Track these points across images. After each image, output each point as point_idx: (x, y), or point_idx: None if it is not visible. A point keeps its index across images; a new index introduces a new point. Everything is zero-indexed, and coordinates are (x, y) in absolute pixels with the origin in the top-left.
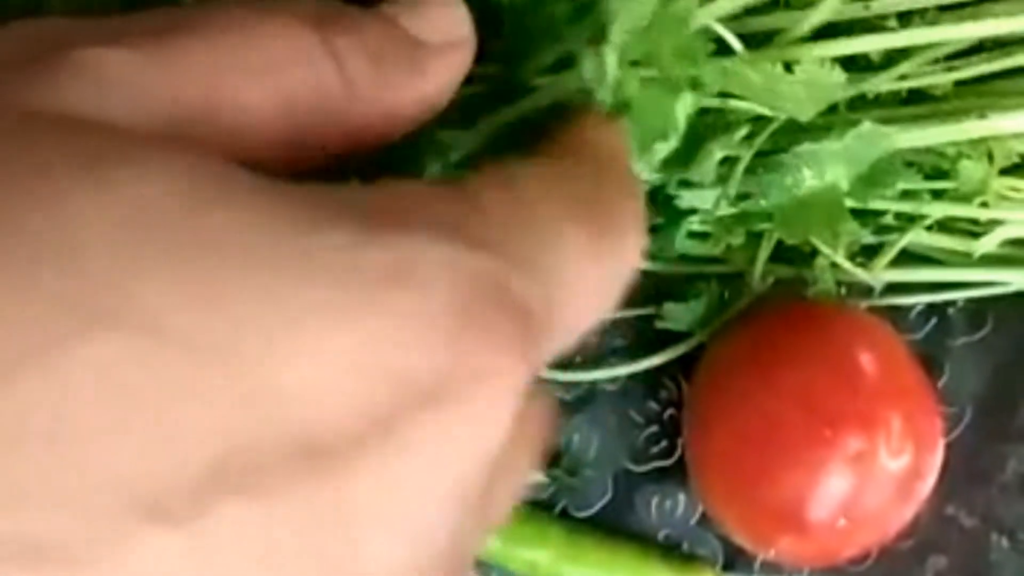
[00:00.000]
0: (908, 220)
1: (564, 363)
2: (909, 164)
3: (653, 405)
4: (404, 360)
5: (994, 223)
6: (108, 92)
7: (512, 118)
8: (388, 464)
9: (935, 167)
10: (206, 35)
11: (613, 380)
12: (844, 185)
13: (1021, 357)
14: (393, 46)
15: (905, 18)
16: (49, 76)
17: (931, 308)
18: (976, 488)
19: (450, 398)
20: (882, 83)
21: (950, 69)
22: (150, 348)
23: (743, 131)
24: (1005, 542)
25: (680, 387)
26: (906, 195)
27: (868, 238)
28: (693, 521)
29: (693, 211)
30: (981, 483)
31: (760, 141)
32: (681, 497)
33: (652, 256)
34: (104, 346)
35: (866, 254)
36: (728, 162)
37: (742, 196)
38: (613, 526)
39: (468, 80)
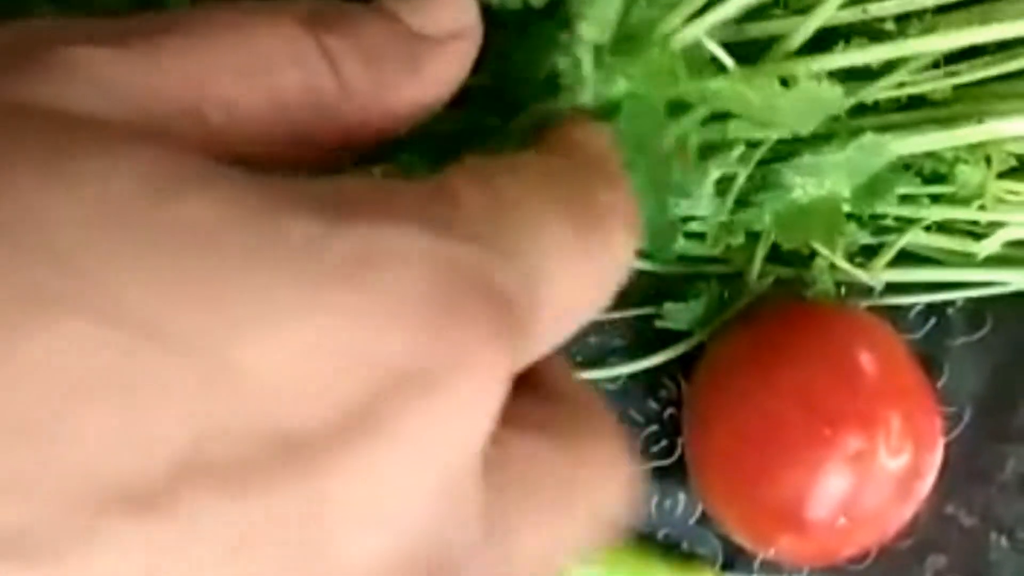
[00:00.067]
0: (907, 222)
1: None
2: (907, 167)
3: (653, 404)
4: (378, 348)
5: (993, 225)
6: (88, 88)
7: (504, 139)
8: (365, 455)
9: (933, 171)
10: (192, 35)
11: (613, 379)
12: (845, 194)
13: (1020, 357)
14: (391, 44)
15: (903, 21)
16: (29, 72)
17: (930, 308)
18: (975, 487)
19: (429, 386)
20: (880, 91)
21: (948, 74)
22: (113, 335)
23: (740, 149)
24: (1004, 541)
25: (680, 386)
26: (905, 199)
27: (867, 239)
28: (693, 520)
29: (691, 218)
30: (980, 482)
31: (757, 158)
32: (681, 496)
33: (651, 256)
34: (65, 332)
35: (865, 254)
36: (726, 179)
37: (742, 202)
38: None
39: (458, 100)
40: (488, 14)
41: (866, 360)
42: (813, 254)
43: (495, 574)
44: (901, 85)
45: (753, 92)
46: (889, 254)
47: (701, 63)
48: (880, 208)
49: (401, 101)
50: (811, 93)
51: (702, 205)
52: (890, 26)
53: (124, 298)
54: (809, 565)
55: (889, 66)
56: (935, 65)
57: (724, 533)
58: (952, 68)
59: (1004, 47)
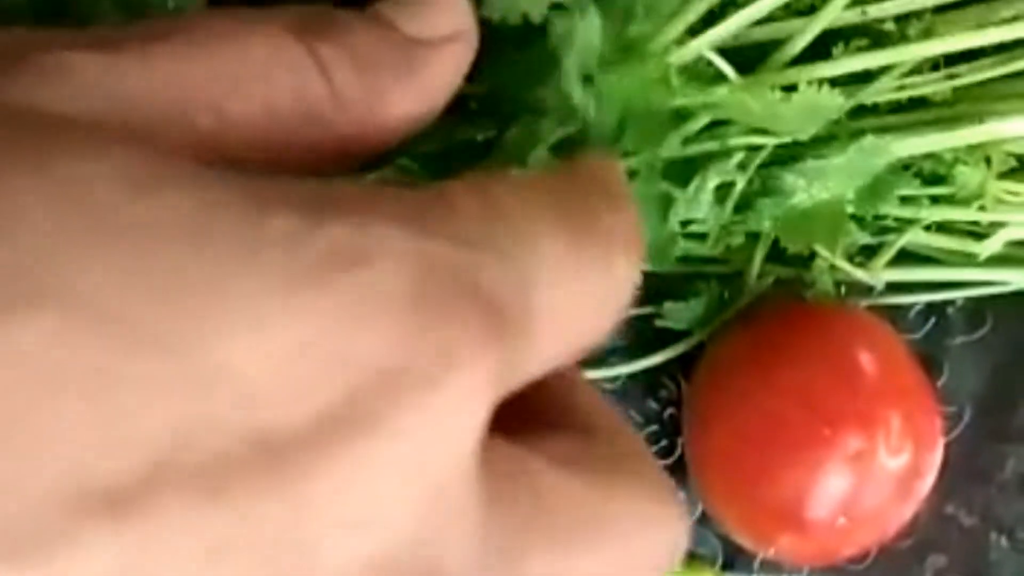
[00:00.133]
0: (907, 222)
1: None
2: (906, 168)
3: (652, 404)
4: (357, 347)
5: (993, 225)
6: (75, 91)
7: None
8: (347, 457)
9: (933, 172)
10: (184, 43)
11: (612, 379)
12: (848, 196)
13: (1020, 356)
14: (384, 51)
15: (902, 21)
16: (16, 74)
17: (930, 307)
18: (975, 487)
19: (411, 387)
20: (880, 93)
21: (948, 76)
22: (87, 331)
23: (739, 156)
24: (1004, 541)
25: (679, 386)
26: (905, 200)
27: (867, 238)
28: (693, 520)
29: (692, 220)
30: (980, 482)
31: (756, 164)
32: (680, 496)
33: (651, 256)
34: (38, 327)
35: (865, 254)
36: (725, 185)
37: (742, 207)
38: None
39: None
40: (488, 28)
41: (866, 360)
42: (813, 254)
43: None
44: (901, 87)
45: (754, 100)
46: (889, 254)
47: (701, 72)
48: (880, 209)
49: (396, 108)
50: (811, 99)
51: (702, 211)
52: (890, 26)
53: (99, 294)
54: (809, 565)
55: (888, 68)
56: (935, 66)
57: (724, 533)
58: (952, 70)
59: (1003, 48)
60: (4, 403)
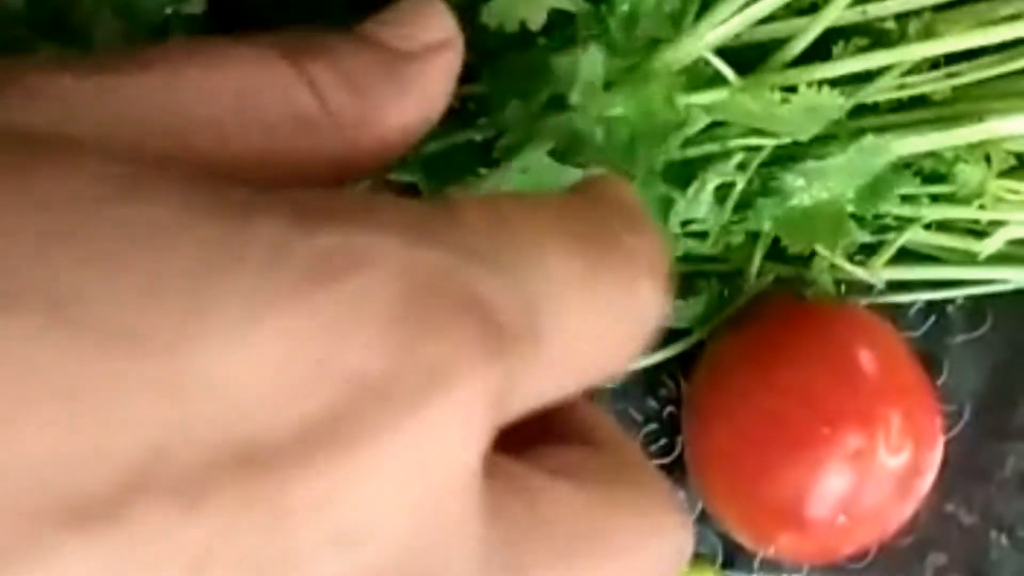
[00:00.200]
0: (907, 220)
1: None
2: (907, 166)
3: (652, 403)
4: (342, 358)
5: (993, 224)
6: (57, 112)
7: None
8: (332, 469)
9: (933, 170)
10: (170, 66)
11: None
12: (849, 196)
13: (1020, 355)
14: (373, 65)
15: (902, 19)
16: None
17: (930, 306)
18: (975, 485)
19: (401, 399)
20: (880, 92)
21: (948, 75)
22: (60, 334)
23: (738, 158)
24: (1004, 539)
25: (679, 385)
26: (905, 199)
27: (867, 237)
28: (692, 519)
29: (690, 220)
30: (980, 480)
31: (755, 165)
32: (680, 494)
33: None
34: (8, 330)
35: (865, 252)
36: (725, 186)
37: (742, 206)
38: None
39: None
40: (486, 34)
41: (866, 358)
42: (813, 252)
43: None
44: (901, 86)
45: (754, 102)
46: (889, 252)
47: (702, 74)
48: (881, 208)
49: (390, 121)
50: (811, 100)
51: (701, 211)
52: (890, 25)
53: (74, 296)
54: (809, 563)
55: (888, 67)
56: (934, 65)
57: (724, 531)
58: (952, 68)
59: (1004, 46)
60: None
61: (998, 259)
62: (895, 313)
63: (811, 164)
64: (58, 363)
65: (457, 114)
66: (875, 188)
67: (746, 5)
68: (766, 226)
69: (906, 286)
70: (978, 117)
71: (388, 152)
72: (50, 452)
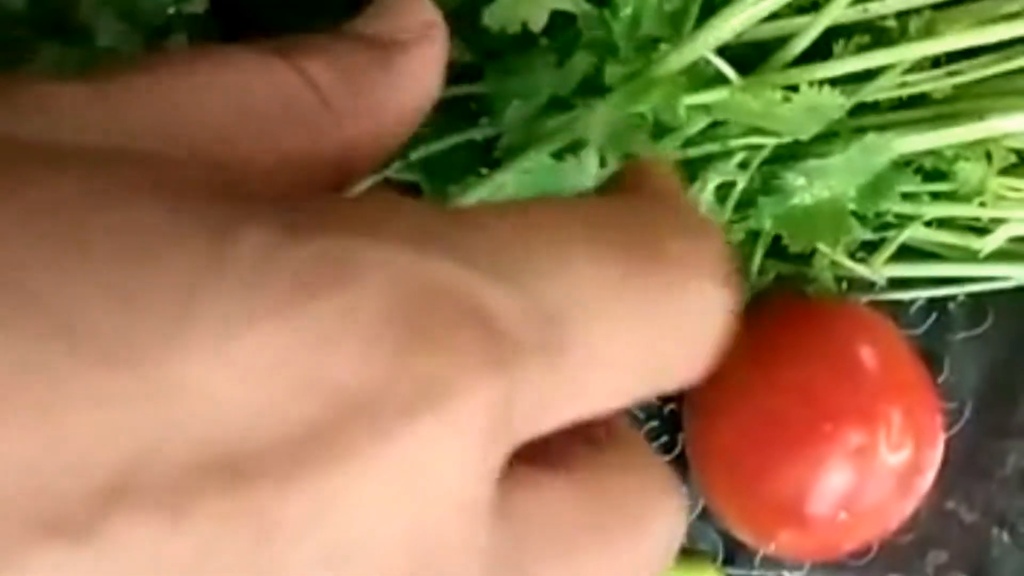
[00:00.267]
0: (908, 218)
1: None
2: (907, 164)
3: (653, 400)
4: (329, 370)
5: (994, 221)
6: (52, 121)
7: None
8: (319, 485)
9: (934, 168)
10: (156, 71)
11: None
12: (850, 194)
13: (1021, 352)
14: (363, 56)
15: (903, 17)
16: None
17: (931, 303)
18: (976, 483)
19: (393, 413)
20: (881, 91)
21: (949, 73)
22: (37, 340)
23: (739, 156)
24: (1006, 536)
25: None
26: (906, 196)
27: (868, 234)
28: (694, 515)
29: None
30: (981, 478)
31: (756, 164)
32: (682, 492)
33: None
34: None
35: (866, 250)
36: (725, 185)
37: (743, 203)
38: None
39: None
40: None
41: (867, 355)
42: (814, 250)
43: None
44: (901, 84)
45: (755, 101)
46: (890, 250)
47: (703, 73)
48: (882, 206)
49: (385, 109)
50: (812, 100)
51: (702, 210)
52: (891, 23)
53: (56, 305)
54: (810, 560)
55: (889, 66)
56: (935, 63)
57: (725, 528)
58: (952, 67)
59: (1004, 45)
60: None
61: (999, 256)
62: (896, 310)
63: (812, 163)
64: (36, 371)
65: (458, 114)
66: (876, 186)
67: (748, 5)
68: (767, 224)
69: (907, 283)
70: (978, 115)
71: (387, 143)
72: (25, 463)
